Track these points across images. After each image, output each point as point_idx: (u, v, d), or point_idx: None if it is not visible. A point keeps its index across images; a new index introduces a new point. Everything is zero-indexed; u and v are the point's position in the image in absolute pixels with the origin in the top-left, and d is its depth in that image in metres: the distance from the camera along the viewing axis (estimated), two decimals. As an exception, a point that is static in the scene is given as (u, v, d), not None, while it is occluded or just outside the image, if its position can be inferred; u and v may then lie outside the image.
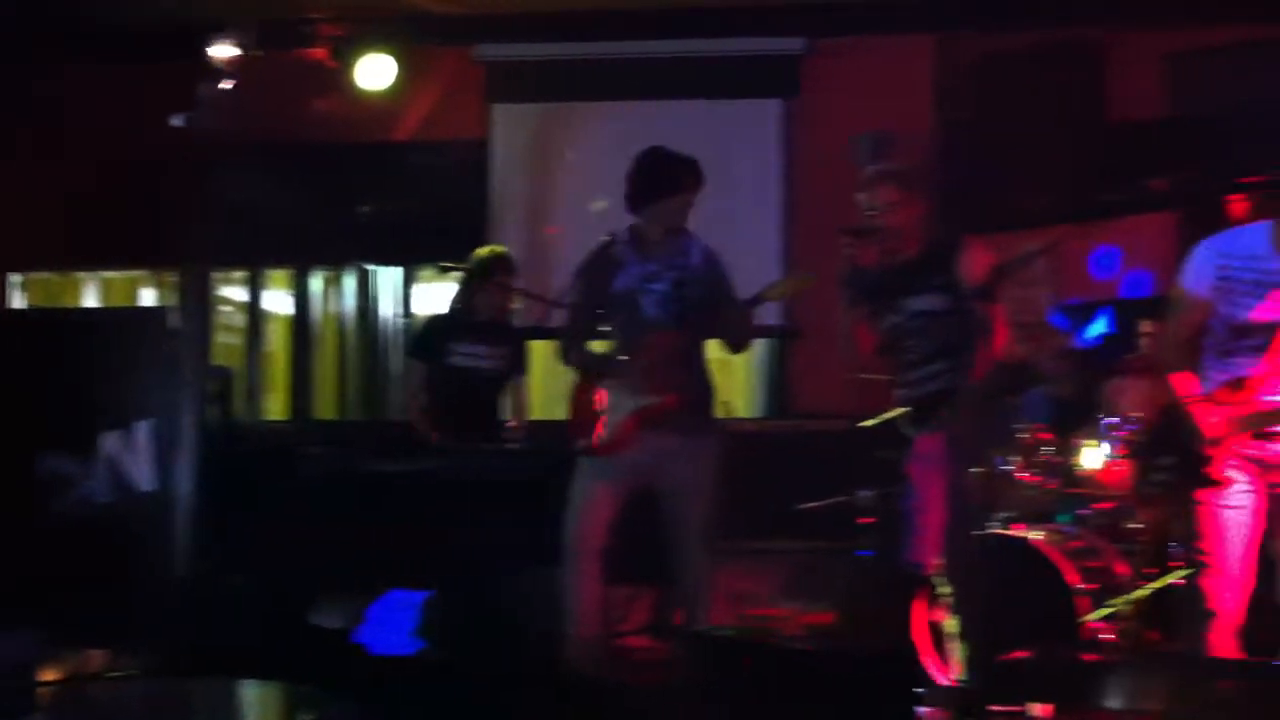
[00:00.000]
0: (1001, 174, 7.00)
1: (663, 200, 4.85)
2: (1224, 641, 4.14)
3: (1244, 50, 6.51)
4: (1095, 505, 5.60)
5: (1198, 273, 4.07)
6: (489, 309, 6.03)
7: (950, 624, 4.81)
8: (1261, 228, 3.88)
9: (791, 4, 7.27)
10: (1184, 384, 4.16)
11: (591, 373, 5.00)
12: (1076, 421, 5.77)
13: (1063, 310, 6.41)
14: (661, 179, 4.86)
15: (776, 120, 7.41)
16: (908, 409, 4.70)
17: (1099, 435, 5.64)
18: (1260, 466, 4.07)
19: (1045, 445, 5.56)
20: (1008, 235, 5.35)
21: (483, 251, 6.12)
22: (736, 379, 7.76)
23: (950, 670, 4.84)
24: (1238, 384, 4.06)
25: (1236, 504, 4.08)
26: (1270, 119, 6.18)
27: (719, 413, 6.40)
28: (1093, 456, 5.60)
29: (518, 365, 6.14)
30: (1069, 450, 5.63)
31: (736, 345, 5.10)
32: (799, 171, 7.40)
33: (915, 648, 5.26)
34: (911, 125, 7.20)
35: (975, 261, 4.57)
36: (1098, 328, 6.32)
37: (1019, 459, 5.54)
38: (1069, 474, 5.63)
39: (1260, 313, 3.98)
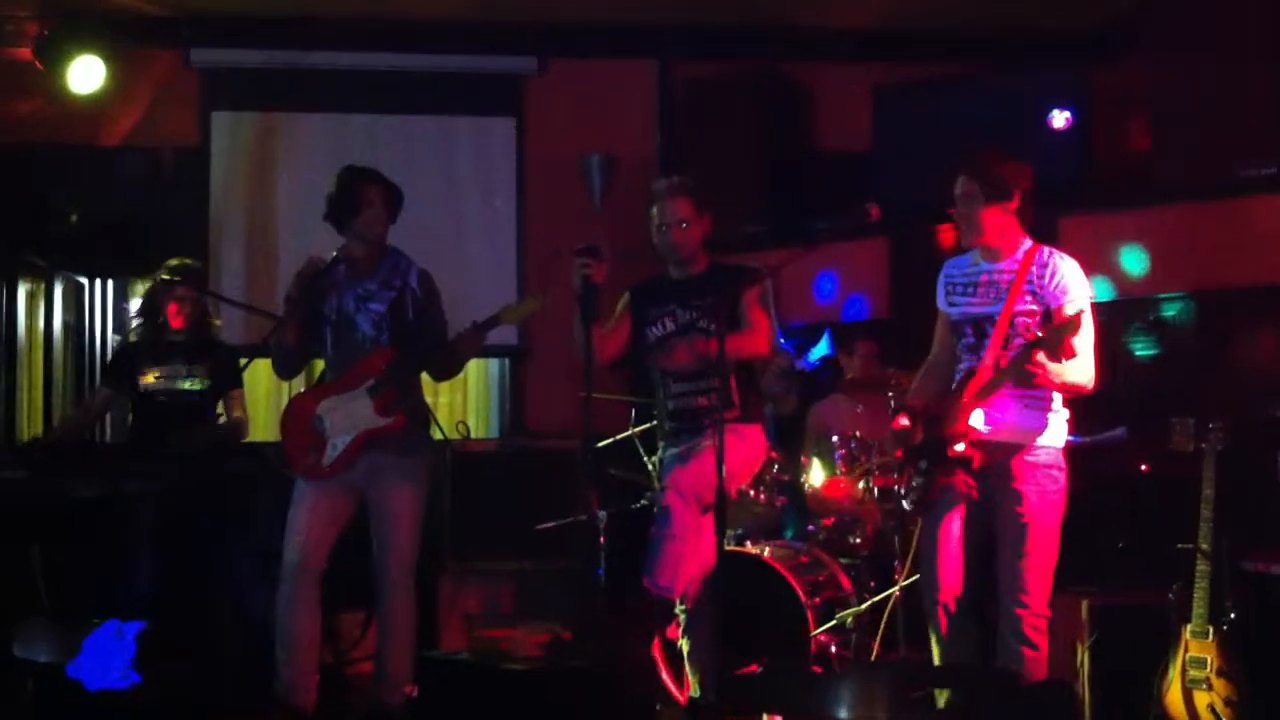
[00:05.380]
0: (722, 198, 7.16)
1: (357, 218, 4.90)
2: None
3: (944, 84, 6.85)
4: (822, 521, 5.82)
5: None
6: (182, 325, 5.80)
7: (685, 641, 4.91)
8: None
9: (522, 24, 7.26)
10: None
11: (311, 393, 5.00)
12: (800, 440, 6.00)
13: (786, 332, 6.62)
14: (350, 197, 4.91)
15: (508, 139, 7.39)
16: (669, 422, 4.83)
17: (822, 453, 5.86)
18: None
19: (772, 463, 5.73)
20: (732, 258, 5.51)
21: (171, 263, 5.87)
22: (472, 398, 7.72)
23: (686, 686, 4.94)
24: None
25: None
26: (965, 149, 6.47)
27: (455, 433, 6.41)
28: (817, 474, 5.82)
29: (226, 382, 5.88)
30: (795, 468, 5.84)
31: (444, 374, 5.15)
32: (531, 190, 7.41)
33: (652, 665, 5.36)
34: (637, 148, 7.38)
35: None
36: (819, 350, 6.54)
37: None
38: (795, 491, 5.83)
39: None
